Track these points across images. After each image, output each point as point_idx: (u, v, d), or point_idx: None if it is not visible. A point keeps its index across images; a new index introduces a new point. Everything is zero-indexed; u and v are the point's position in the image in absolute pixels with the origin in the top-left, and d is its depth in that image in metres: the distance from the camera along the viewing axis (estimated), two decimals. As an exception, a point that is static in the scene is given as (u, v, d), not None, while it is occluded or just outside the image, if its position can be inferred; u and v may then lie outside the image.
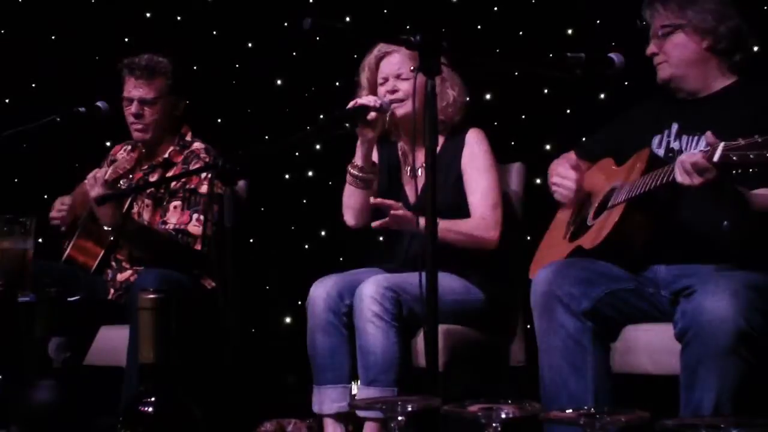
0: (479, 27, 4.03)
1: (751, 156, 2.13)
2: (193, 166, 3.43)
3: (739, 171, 2.17)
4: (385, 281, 2.89)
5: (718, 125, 2.51)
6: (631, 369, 2.57)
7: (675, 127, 2.71)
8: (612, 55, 2.58)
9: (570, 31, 3.86)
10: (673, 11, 2.69)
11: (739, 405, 2.29)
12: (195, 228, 3.35)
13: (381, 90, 3.13)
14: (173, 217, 3.38)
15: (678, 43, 2.69)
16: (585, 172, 2.86)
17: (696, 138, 2.63)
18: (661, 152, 2.69)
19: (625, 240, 2.57)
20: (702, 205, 2.48)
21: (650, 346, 2.54)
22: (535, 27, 3.90)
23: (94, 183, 3.20)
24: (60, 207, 3.50)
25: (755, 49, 2.81)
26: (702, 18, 2.66)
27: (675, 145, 2.67)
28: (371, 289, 2.85)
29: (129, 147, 3.67)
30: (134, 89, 3.48)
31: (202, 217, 3.36)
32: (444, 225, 2.85)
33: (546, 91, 3.91)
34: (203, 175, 3.37)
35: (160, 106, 3.49)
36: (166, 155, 3.51)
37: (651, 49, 2.74)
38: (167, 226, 3.37)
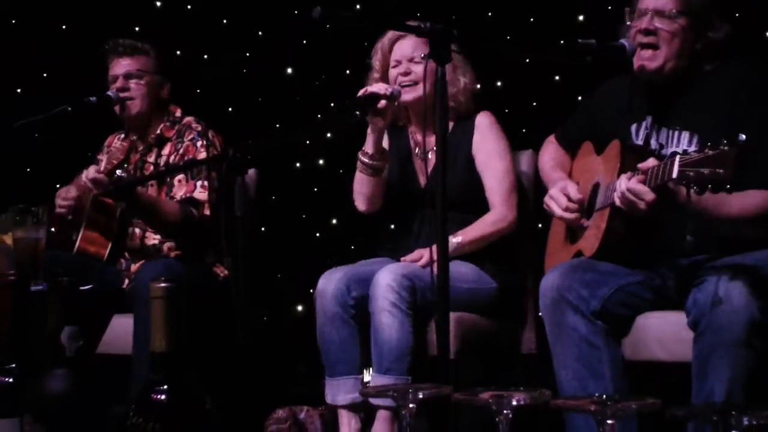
0: (490, 14, 4.02)
1: (706, 172, 2.04)
2: (187, 138, 3.46)
3: (695, 188, 2.08)
4: (401, 269, 2.89)
5: (694, 114, 2.49)
6: (642, 357, 2.57)
7: (649, 119, 2.63)
8: (623, 41, 2.57)
9: (581, 18, 3.84)
10: (686, 0, 2.54)
11: (750, 394, 2.28)
12: (200, 194, 3.38)
13: (393, 72, 3.13)
14: (179, 190, 3.41)
15: (682, 35, 2.54)
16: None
17: (677, 132, 2.57)
18: (640, 142, 2.65)
19: (620, 243, 2.54)
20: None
21: (661, 334, 2.53)
22: (546, 13, 3.89)
23: (96, 180, 3.19)
24: (65, 197, 3.50)
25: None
26: (709, 19, 2.54)
27: (653, 142, 2.61)
28: (388, 277, 2.85)
29: (122, 135, 3.68)
30: (118, 67, 3.53)
31: (206, 183, 3.38)
32: (470, 237, 3.00)
33: (557, 77, 3.90)
34: (199, 143, 3.41)
35: (146, 82, 3.52)
36: (158, 132, 3.53)
37: (647, 23, 2.55)
38: (175, 200, 3.39)
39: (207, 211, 3.38)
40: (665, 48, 2.55)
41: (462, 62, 3.14)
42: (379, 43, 3.20)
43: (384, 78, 3.16)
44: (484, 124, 3.15)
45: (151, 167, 3.49)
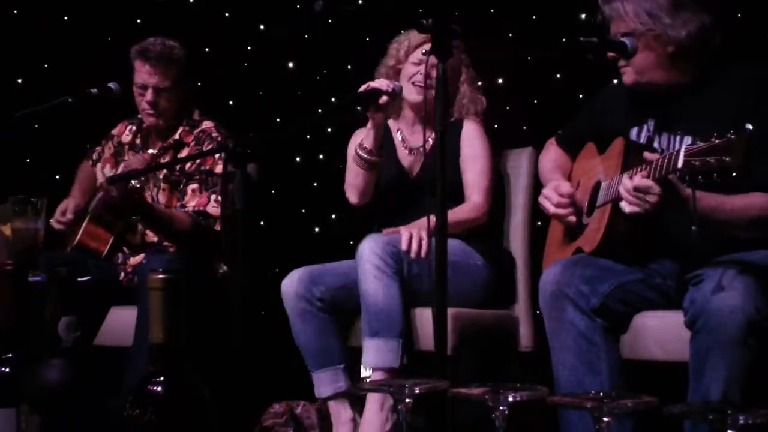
0: (492, 11, 4.01)
1: (712, 161, 2.04)
2: (206, 147, 3.40)
3: (701, 179, 2.08)
4: (385, 238, 2.95)
5: (697, 119, 2.49)
6: (639, 356, 2.57)
7: (651, 123, 2.64)
8: (625, 39, 2.57)
9: (583, 16, 3.84)
10: (632, 16, 2.53)
11: (747, 393, 2.28)
12: (214, 209, 3.35)
13: (412, 69, 3.17)
14: (192, 200, 3.37)
15: (639, 49, 2.54)
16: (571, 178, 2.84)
17: (678, 137, 2.56)
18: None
19: (621, 239, 2.53)
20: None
21: (659, 332, 2.54)
22: (548, 11, 3.88)
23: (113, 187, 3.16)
24: (62, 217, 3.44)
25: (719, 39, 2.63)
26: (662, 25, 2.52)
27: (656, 145, 2.61)
28: (371, 244, 2.91)
29: (134, 127, 3.65)
30: (149, 77, 3.40)
31: (220, 198, 3.34)
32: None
33: (558, 75, 3.89)
34: (217, 155, 3.35)
35: (175, 95, 3.44)
36: (177, 136, 3.49)
37: (612, 54, 2.59)
38: (186, 209, 3.36)
39: (218, 227, 3.35)
40: (631, 66, 2.59)
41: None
42: (404, 36, 3.20)
43: (395, 70, 3.19)
44: (471, 127, 3.22)
45: (165, 171, 3.44)
